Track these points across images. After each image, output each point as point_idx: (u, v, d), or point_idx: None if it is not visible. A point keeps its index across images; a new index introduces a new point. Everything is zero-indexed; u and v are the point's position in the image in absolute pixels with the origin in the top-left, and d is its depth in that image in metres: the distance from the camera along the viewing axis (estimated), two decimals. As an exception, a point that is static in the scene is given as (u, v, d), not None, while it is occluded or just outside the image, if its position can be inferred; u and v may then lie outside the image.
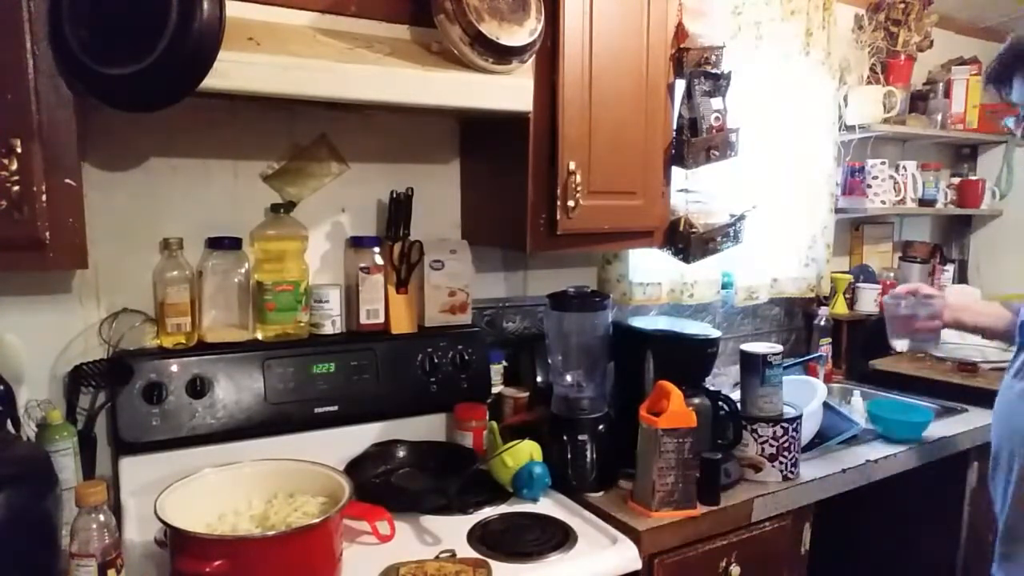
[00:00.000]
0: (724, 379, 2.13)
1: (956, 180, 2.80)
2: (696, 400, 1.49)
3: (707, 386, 1.57)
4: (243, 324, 1.50)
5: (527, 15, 1.37)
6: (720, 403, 1.53)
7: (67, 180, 1.10)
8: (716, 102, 1.75)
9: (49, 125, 1.07)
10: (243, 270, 1.49)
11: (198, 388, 1.40)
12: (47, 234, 1.08)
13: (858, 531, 2.17)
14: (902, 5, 2.43)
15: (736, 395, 1.59)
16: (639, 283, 2.01)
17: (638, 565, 1.30)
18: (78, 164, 1.11)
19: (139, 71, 1.02)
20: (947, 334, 1.71)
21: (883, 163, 2.46)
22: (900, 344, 1.84)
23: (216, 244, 1.47)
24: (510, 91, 1.40)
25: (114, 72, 1.04)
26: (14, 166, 1.04)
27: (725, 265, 2.14)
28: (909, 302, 1.62)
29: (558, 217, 1.52)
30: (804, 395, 1.74)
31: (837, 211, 2.39)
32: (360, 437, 1.57)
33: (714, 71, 1.74)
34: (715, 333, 1.58)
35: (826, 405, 1.80)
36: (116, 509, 1.31)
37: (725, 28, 1.91)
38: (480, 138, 1.72)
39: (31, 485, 1.02)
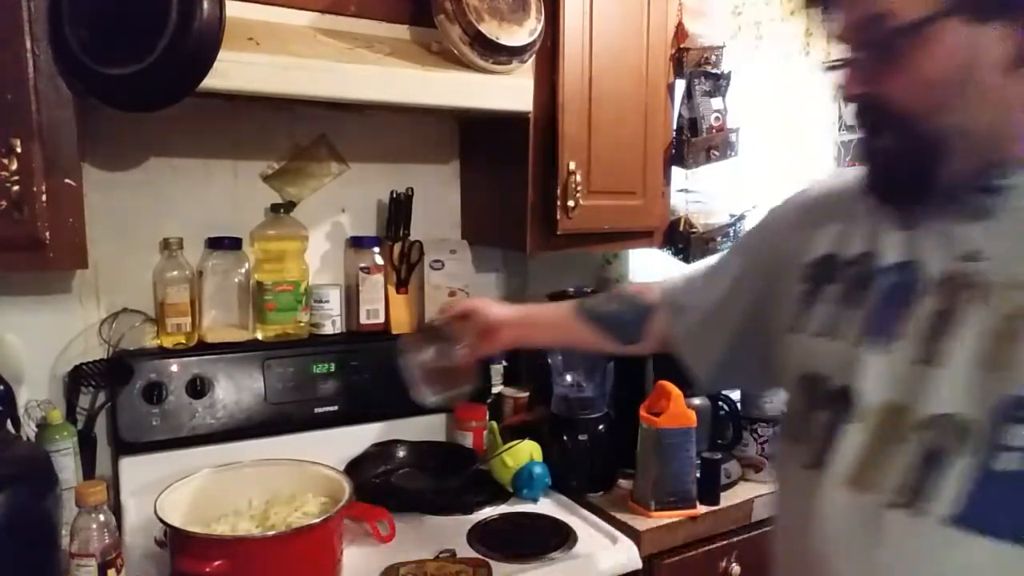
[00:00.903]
0: (724, 379, 2.13)
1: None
2: (696, 400, 1.49)
3: (707, 386, 1.57)
4: (243, 324, 1.50)
5: (527, 15, 1.37)
6: (720, 403, 1.53)
7: (67, 180, 1.09)
8: (716, 102, 1.75)
9: (49, 125, 1.07)
10: (243, 270, 1.49)
11: (198, 388, 1.40)
12: (47, 234, 1.08)
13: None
14: (902, 5, 2.43)
15: (736, 395, 1.59)
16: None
17: (638, 565, 1.30)
18: (78, 164, 1.11)
19: (139, 71, 1.02)
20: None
21: (883, 163, 2.46)
22: (431, 397, 1.18)
23: (216, 244, 1.47)
24: (510, 91, 1.40)
25: (114, 72, 1.04)
26: (14, 166, 1.03)
27: (725, 265, 2.14)
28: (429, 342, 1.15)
29: (558, 217, 1.52)
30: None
31: (837, 211, 2.39)
32: (360, 437, 1.57)
33: (714, 71, 1.74)
34: (715, 333, 1.58)
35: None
36: (116, 509, 1.31)
37: (725, 28, 1.91)
38: (480, 138, 1.72)
39: (31, 485, 1.02)
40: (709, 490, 1.41)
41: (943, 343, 0.67)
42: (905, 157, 0.70)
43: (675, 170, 1.76)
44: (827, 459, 0.73)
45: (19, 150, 1.04)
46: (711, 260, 1.06)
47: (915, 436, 0.67)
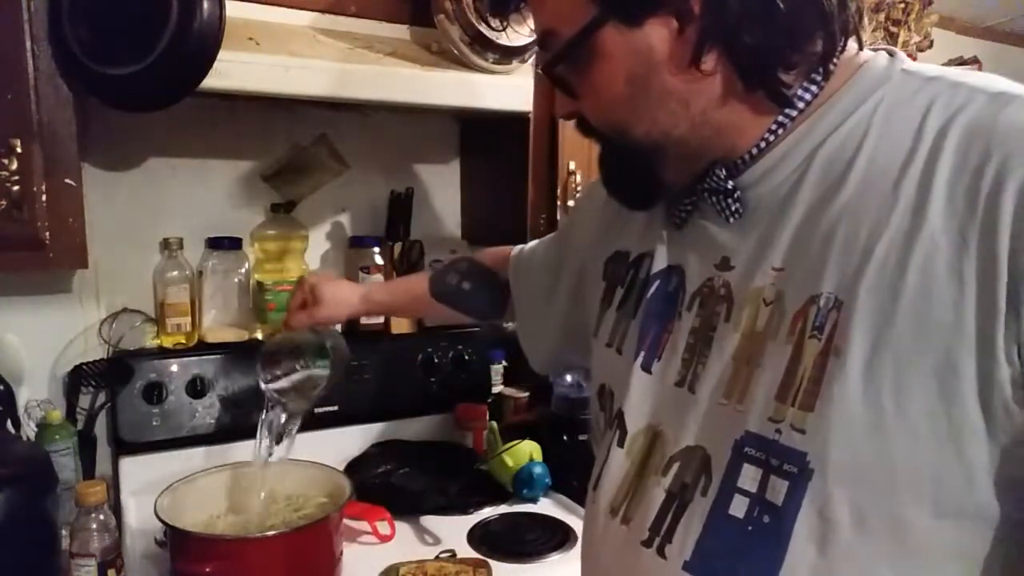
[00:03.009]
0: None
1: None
2: (696, 400, 1.49)
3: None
4: (243, 324, 1.50)
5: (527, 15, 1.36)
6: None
7: (67, 180, 1.09)
8: (716, 102, 1.75)
9: (49, 125, 1.07)
10: (243, 270, 1.49)
11: (198, 388, 1.40)
12: (47, 234, 1.08)
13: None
14: (902, 5, 2.43)
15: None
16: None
17: (638, 565, 1.29)
18: (78, 164, 1.11)
19: (139, 71, 1.02)
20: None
21: (883, 163, 2.46)
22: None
23: (216, 244, 1.47)
24: (510, 91, 1.40)
25: (114, 72, 1.04)
26: (14, 166, 1.04)
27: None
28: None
29: (558, 217, 1.52)
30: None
31: (837, 211, 2.38)
32: (360, 437, 1.57)
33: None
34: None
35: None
36: (116, 509, 1.30)
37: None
38: (480, 138, 1.72)
39: (31, 485, 1.03)
40: (709, 490, 1.41)
41: (698, 365, 0.61)
42: (621, 168, 0.66)
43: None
44: (599, 483, 0.68)
45: (19, 150, 1.04)
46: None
47: (670, 469, 0.61)
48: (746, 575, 0.55)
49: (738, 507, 0.56)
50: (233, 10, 1.09)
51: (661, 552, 0.60)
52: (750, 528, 0.55)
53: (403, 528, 1.31)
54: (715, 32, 0.55)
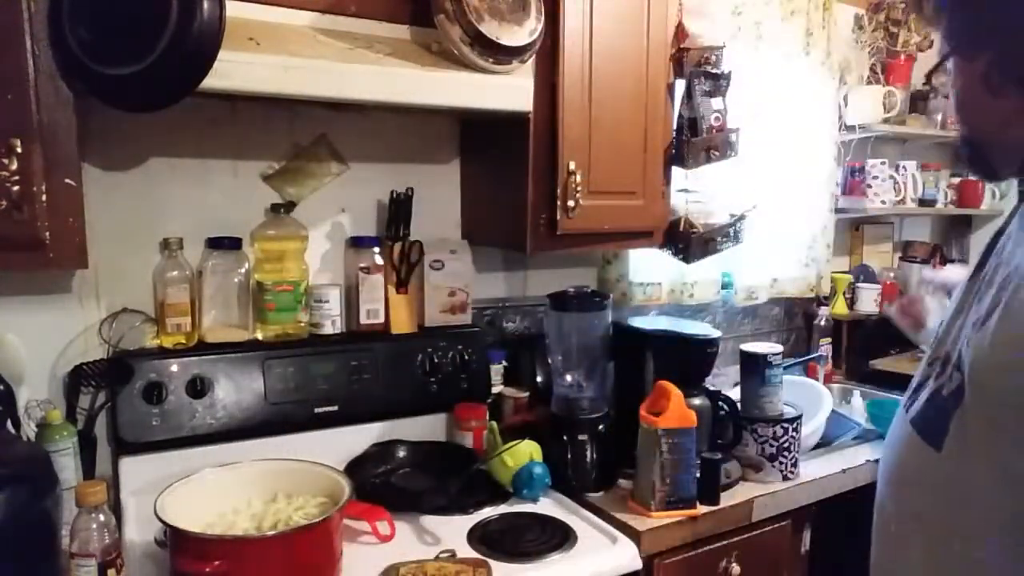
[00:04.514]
0: (724, 379, 2.13)
1: (956, 180, 2.79)
2: (696, 400, 1.49)
3: (707, 386, 1.57)
4: (243, 324, 1.50)
5: (527, 15, 1.37)
6: (720, 403, 1.53)
7: (67, 180, 1.10)
8: (716, 102, 1.75)
9: (49, 125, 1.07)
10: (243, 270, 1.49)
11: (198, 388, 1.40)
12: (47, 234, 1.08)
13: (859, 531, 2.16)
14: (902, 5, 2.43)
15: (736, 395, 1.59)
16: (639, 283, 2.00)
17: (638, 565, 1.30)
18: (78, 164, 1.11)
19: (139, 71, 1.02)
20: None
21: (883, 163, 2.46)
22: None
23: (216, 244, 1.47)
24: (510, 91, 1.40)
25: (114, 72, 1.04)
26: (14, 166, 1.04)
27: (725, 265, 2.14)
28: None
29: (558, 217, 1.52)
30: (811, 402, 1.72)
31: (837, 211, 2.39)
32: (360, 437, 1.57)
33: (714, 71, 1.74)
34: (715, 333, 1.58)
35: (828, 407, 1.79)
36: (116, 509, 1.30)
37: (725, 28, 1.91)
38: (480, 138, 1.72)
39: (31, 485, 1.02)
40: (709, 490, 1.41)
41: (972, 305, 0.88)
42: (967, 158, 0.95)
43: (675, 170, 1.76)
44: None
45: (19, 150, 1.04)
46: None
47: (935, 363, 0.91)
48: (932, 431, 0.87)
49: (947, 389, 0.86)
50: (233, 10, 1.09)
51: (907, 408, 0.94)
52: (946, 406, 0.86)
53: (403, 528, 1.31)
54: (1009, 72, 0.81)
